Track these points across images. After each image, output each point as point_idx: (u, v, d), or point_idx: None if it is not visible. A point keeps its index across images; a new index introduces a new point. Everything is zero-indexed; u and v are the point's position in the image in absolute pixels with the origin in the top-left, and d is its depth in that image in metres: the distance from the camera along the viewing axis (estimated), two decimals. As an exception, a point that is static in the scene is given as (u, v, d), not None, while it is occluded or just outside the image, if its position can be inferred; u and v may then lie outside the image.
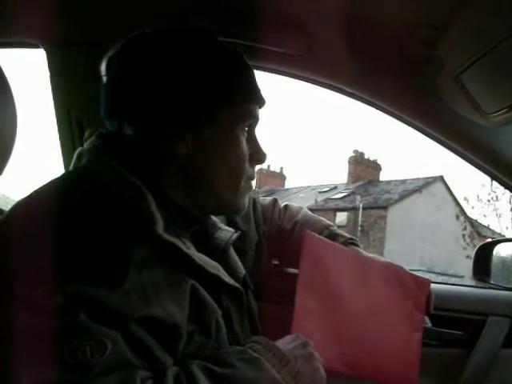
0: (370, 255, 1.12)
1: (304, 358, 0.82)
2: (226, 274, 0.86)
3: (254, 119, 0.89)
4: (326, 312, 0.97)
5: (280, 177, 29.42)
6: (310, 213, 1.28)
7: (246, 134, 0.88)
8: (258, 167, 0.95)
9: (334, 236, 1.18)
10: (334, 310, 0.98)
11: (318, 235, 1.04)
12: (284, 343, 0.83)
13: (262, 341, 0.80)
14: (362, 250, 1.16)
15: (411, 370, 1.03)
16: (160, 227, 0.75)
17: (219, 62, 0.85)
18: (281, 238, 1.23)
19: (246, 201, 0.92)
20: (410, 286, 1.06)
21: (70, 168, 0.84)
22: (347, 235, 1.20)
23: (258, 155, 0.91)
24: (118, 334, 0.65)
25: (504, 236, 14.66)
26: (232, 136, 0.86)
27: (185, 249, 0.77)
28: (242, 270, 0.96)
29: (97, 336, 0.63)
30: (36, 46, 1.26)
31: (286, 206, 1.30)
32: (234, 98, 0.85)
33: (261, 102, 0.90)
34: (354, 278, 1.02)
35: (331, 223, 1.25)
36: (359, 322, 0.99)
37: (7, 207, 0.90)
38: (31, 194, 0.78)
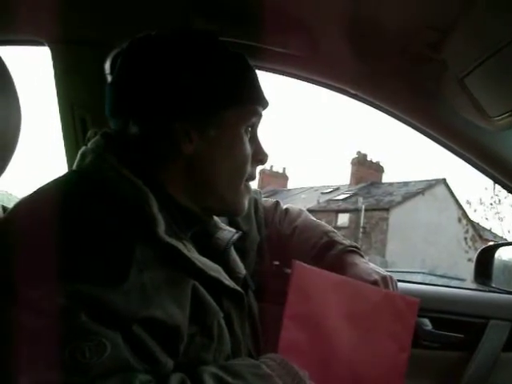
0: (360, 283, 1.07)
1: None
2: (227, 277, 0.85)
3: (257, 119, 0.90)
4: (313, 345, 0.95)
5: (282, 177, 29.38)
6: (310, 217, 1.26)
7: (249, 134, 0.89)
8: (260, 167, 0.96)
9: (332, 243, 1.16)
10: (321, 342, 0.96)
11: (307, 265, 1.00)
12: None
13: (276, 358, 0.81)
14: (361, 259, 1.14)
15: None
16: (161, 229, 0.75)
17: (224, 62, 0.86)
18: (280, 243, 1.22)
19: (246, 202, 0.92)
20: (399, 308, 1.05)
21: (74, 167, 0.84)
22: (347, 242, 1.17)
23: (259, 156, 0.92)
24: (119, 335, 0.65)
25: (506, 239, 14.63)
26: (237, 135, 0.86)
27: (186, 252, 0.77)
28: (242, 271, 0.96)
29: (97, 337, 0.63)
30: (41, 44, 1.26)
31: (286, 209, 1.29)
32: (239, 98, 0.86)
33: (264, 103, 0.91)
34: (344, 306, 1.00)
35: (331, 229, 1.23)
36: (347, 352, 0.98)
37: (10, 204, 0.90)
38: (34, 193, 0.78)
